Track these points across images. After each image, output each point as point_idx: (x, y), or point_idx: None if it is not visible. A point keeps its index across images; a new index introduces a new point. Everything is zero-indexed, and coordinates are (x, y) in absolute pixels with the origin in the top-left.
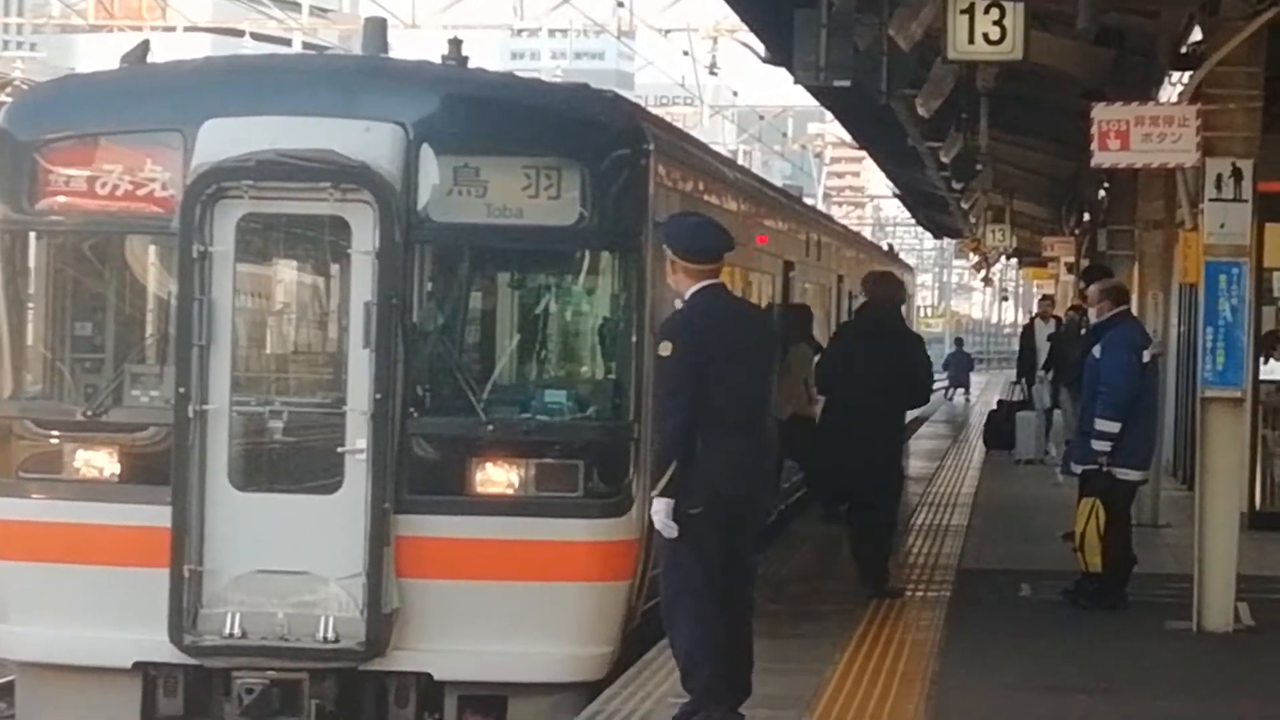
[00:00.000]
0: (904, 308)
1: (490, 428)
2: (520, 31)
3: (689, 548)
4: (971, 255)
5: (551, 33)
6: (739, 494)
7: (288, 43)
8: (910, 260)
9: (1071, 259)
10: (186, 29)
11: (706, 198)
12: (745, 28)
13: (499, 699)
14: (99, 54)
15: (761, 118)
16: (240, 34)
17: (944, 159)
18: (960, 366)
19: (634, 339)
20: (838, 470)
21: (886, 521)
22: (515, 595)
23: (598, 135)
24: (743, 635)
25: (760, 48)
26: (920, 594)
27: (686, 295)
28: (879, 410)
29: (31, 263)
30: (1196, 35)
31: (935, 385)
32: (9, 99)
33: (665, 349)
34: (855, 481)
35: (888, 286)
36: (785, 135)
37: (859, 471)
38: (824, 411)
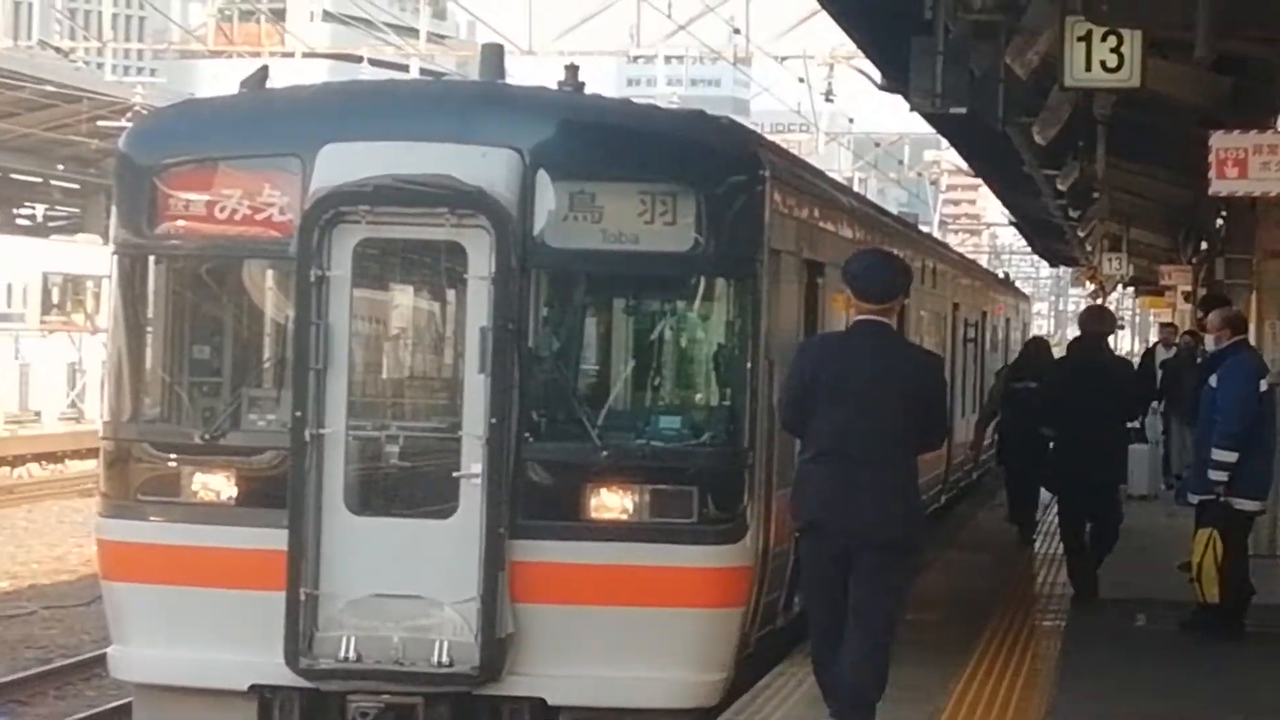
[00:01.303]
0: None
1: (605, 453)
2: (636, 58)
3: (802, 563)
4: (1088, 284)
5: (668, 59)
6: (830, 522)
7: (405, 68)
8: (1026, 289)
9: (1189, 288)
10: (305, 55)
11: (822, 225)
12: (861, 54)
13: None
14: (218, 79)
15: (877, 144)
16: (358, 60)
17: (1060, 186)
18: None
19: (749, 365)
20: (1065, 495)
21: (1111, 537)
22: (629, 621)
23: (714, 161)
24: (858, 655)
25: (876, 74)
26: (1037, 623)
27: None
28: (1098, 434)
29: (150, 286)
30: None
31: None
32: (129, 124)
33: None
34: (1083, 503)
35: (1095, 321)
36: (901, 162)
37: (1087, 494)
38: (1054, 441)
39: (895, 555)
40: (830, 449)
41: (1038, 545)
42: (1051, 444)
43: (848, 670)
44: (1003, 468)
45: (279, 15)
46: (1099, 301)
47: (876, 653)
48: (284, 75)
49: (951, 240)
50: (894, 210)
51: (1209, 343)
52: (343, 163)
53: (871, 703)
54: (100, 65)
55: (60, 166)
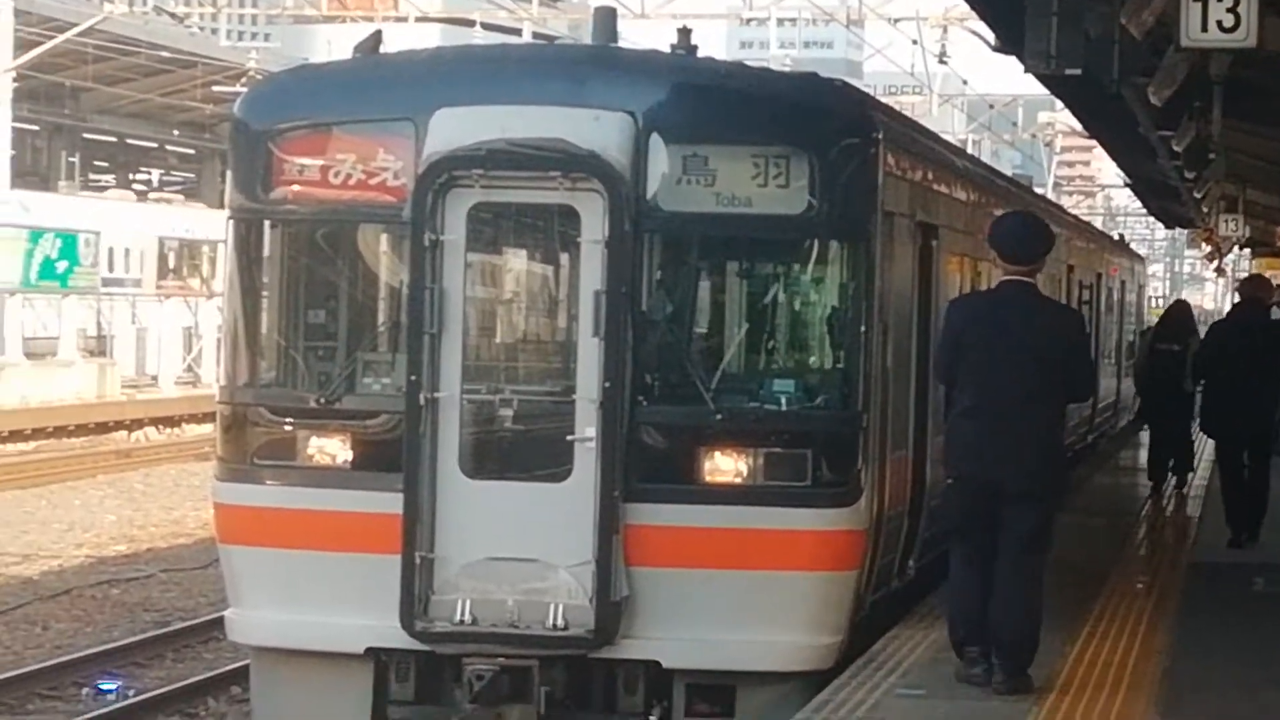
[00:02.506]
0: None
1: (719, 416)
2: (749, 20)
3: (953, 513)
4: (1203, 245)
5: (780, 22)
6: (977, 473)
7: (518, 32)
8: (1141, 250)
9: None
10: (418, 19)
11: (936, 187)
12: (975, 16)
13: (727, 688)
14: (332, 44)
15: (991, 106)
16: (471, 24)
17: (1176, 148)
18: None
19: (862, 328)
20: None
21: (1262, 483)
22: (743, 584)
23: (827, 124)
24: (1003, 598)
25: (991, 36)
26: (1153, 586)
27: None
28: (1252, 388)
29: (265, 251)
30: None
31: None
32: (244, 89)
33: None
34: (1238, 451)
35: (1256, 287)
36: (1015, 124)
37: (1240, 441)
38: (1204, 394)
39: (1040, 506)
40: (978, 404)
41: (1164, 503)
42: (1200, 398)
43: (1001, 623)
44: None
45: None
46: (1215, 267)
47: (1026, 604)
48: (397, 40)
49: (1066, 202)
50: (1008, 172)
51: None
52: (456, 127)
53: (1027, 652)
54: (214, 31)
55: (175, 132)
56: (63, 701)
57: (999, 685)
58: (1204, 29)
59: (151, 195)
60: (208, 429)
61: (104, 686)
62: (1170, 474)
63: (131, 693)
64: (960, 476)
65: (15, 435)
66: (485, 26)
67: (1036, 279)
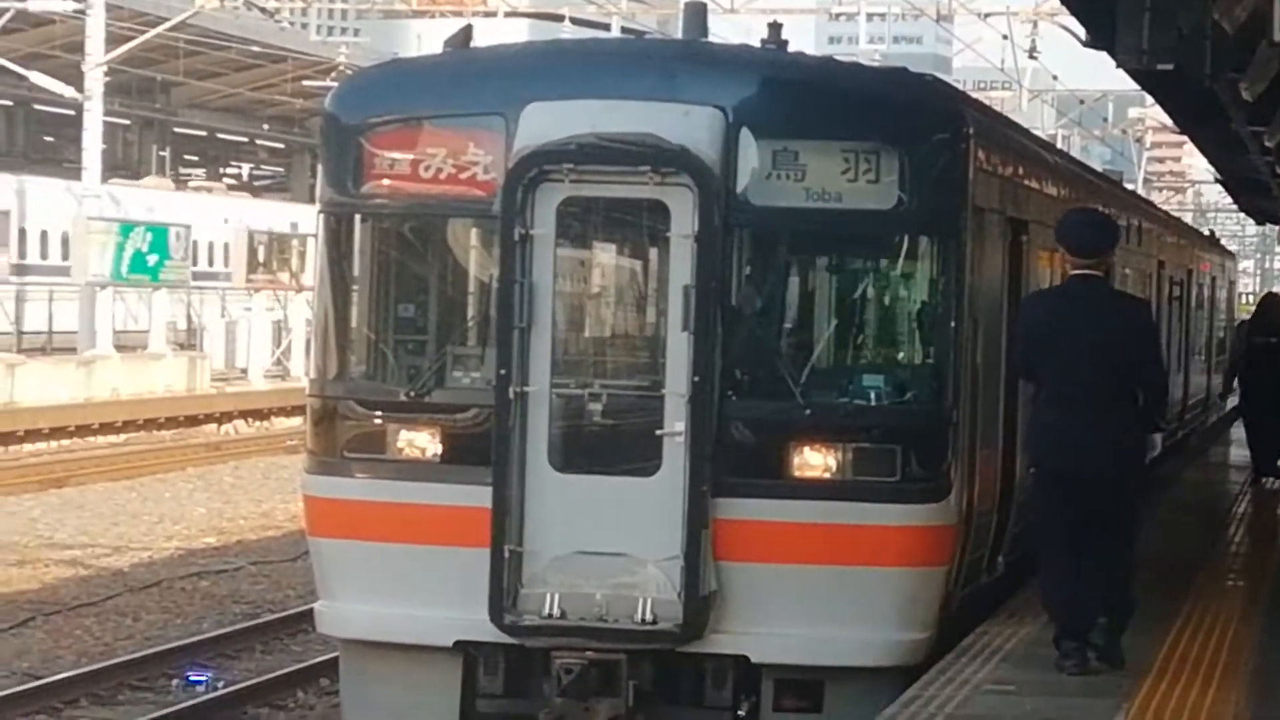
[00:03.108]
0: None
1: (808, 411)
2: (838, 15)
3: (1038, 503)
4: None
5: (869, 17)
6: (1061, 462)
7: (606, 27)
8: (1231, 247)
9: None
10: (507, 14)
11: (1026, 182)
12: (1066, 11)
13: (815, 683)
14: (422, 39)
15: (1081, 102)
16: (559, 18)
17: (1268, 143)
18: None
19: (952, 324)
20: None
21: None
22: (832, 579)
23: (917, 119)
24: (1093, 585)
25: (1081, 31)
26: (1240, 585)
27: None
28: None
29: (356, 245)
30: None
31: None
32: (334, 84)
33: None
34: None
35: None
36: (1105, 119)
37: None
38: None
39: (1121, 493)
40: (1055, 395)
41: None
42: None
43: (1092, 608)
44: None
45: None
46: None
47: (1115, 588)
48: (486, 34)
49: (1156, 198)
50: (1098, 168)
51: None
52: (546, 121)
53: (1118, 631)
54: (304, 25)
55: (265, 126)
56: (153, 692)
57: (1092, 660)
58: None
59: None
60: (296, 422)
61: (194, 678)
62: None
63: (221, 684)
64: (1042, 467)
65: (106, 428)
66: (574, 21)
67: (1103, 272)
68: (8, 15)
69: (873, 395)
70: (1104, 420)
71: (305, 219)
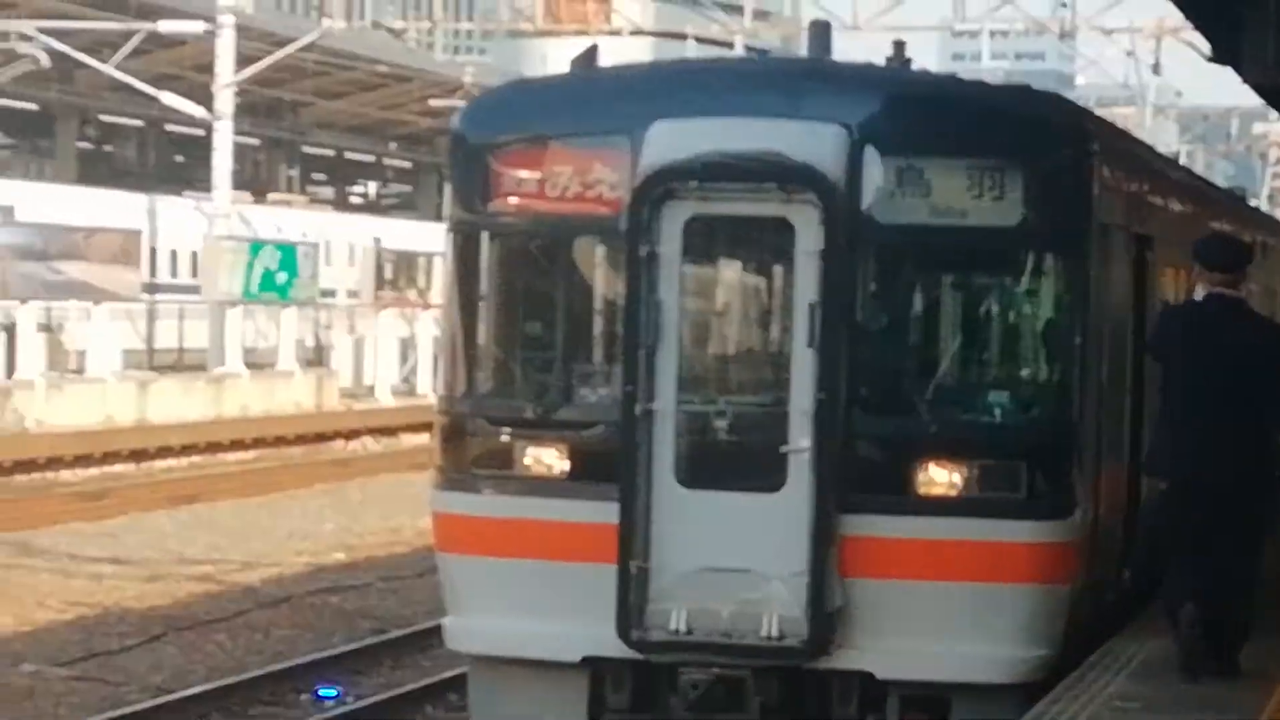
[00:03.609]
0: None
1: (933, 428)
2: (960, 33)
3: (1165, 515)
4: None
5: (992, 34)
6: (1187, 478)
7: (729, 46)
8: None
9: None
10: (631, 33)
11: (1150, 198)
12: (1190, 26)
13: (941, 699)
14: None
15: (1205, 118)
16: (683, 37)
17: None
18: None
19: (1077, 339)
20: None
21: None
22: (957, 596)
23: (1042, 136)
24: (1217, 597)
25: (1206, 46)
26: None
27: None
28: None
29: (483, 263)
30: None
31: None
32: (460, 103)
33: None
34: None
35: None
36: (1229, 135)
37: None
38: None
39: (1247, 509)
40: (1186, 413)
41: None
42: None
43: (1214, 620)
44: None
45: None
46: None
47: (1238, 602)
48: (611, 53)
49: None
50: (1221, 184)
51: None
52: (672, 140)
53: (1237, 646)
54: (431, 45)
55: (392, 145)
56: (283, 707)
57: (1211, 670)
58: None
59: (368, 208)
60: (424, 439)
61: (323, 693)
62: None
63: (350, 699)
64: (1171, 482)
65: (236, 444)
66: (698, 40)
67: (1240, 291)
68: (139, 37)
69: (998, 412)
70: (1234, 435)
71: (430, 238)
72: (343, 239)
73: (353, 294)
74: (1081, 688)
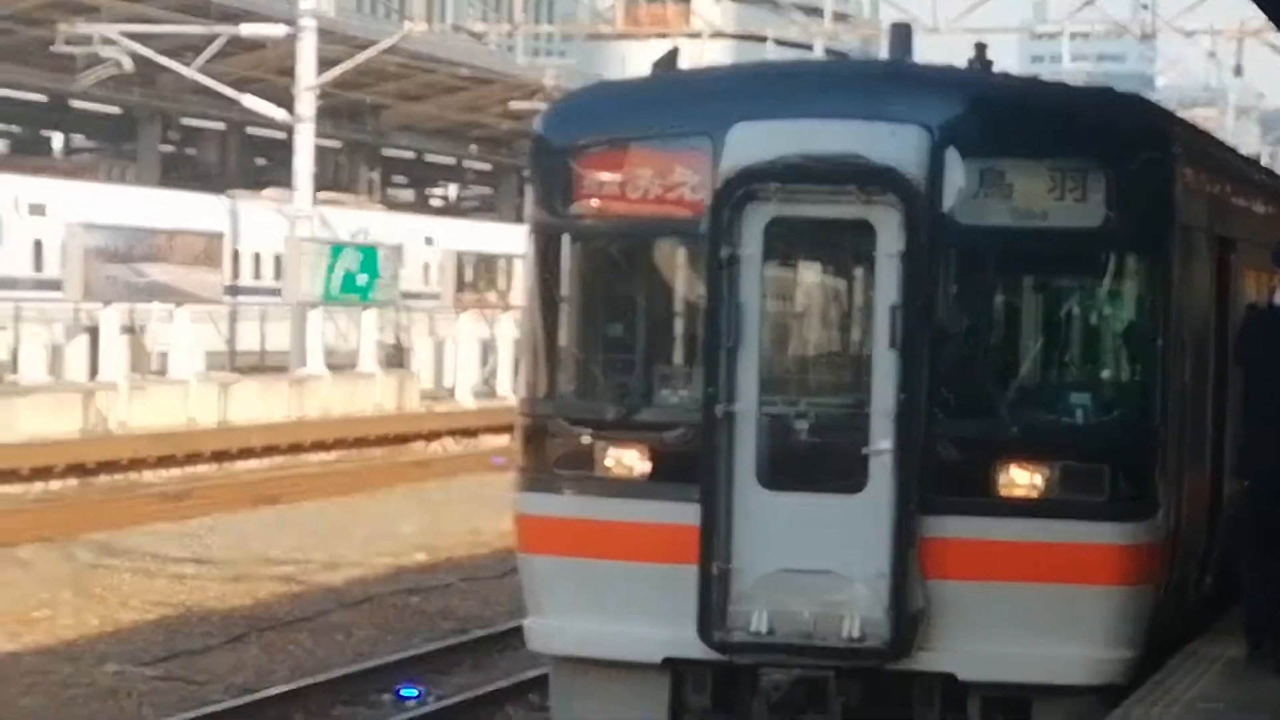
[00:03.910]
0: None
1: (1015, 430)
2: (1040, 35)
3: (1246, 516)
4: None
5: (1072, 36)
6: (1269, 478)
7: (809, 48)
8: None
9: None
10: (711, 35)
11: (1232, 199)
12: (1272, 28)
13: (1023, 701)
14: (626, 61)
15: None
16: (763, 40)
17: None
18: None
19: (1159, 341)
20: None
21: None
22: (1039, 597)
23: (1124, 138)
24: None
25: None
26: None
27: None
28: None
29: (565, 265)
30: None
31: None
32: (540, 106)
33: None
34: None
35: None
36: None
37: None
38: None
39: None
40: (1266, 412)
41: None
42: None
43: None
44: None
45: None
46: None
47: None
48: (690, 56)
49: None
50: None
51: None
52: (753, 142)
53: None
54: (511, 48)
55: (473, 148)
56: (365, 708)
57: None
58: None
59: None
60: (504, 440)
61: (405, 693)
62: None
63: (431, 700)
64: (1253, 481)
65: (318, 446)
66: (778, 42)
67: None
68: (221, 40)
69: (1080, 413)
70: None
71: (510, 240)
72: (389, 240)
73: (409, 295)
74: (1163, 690)
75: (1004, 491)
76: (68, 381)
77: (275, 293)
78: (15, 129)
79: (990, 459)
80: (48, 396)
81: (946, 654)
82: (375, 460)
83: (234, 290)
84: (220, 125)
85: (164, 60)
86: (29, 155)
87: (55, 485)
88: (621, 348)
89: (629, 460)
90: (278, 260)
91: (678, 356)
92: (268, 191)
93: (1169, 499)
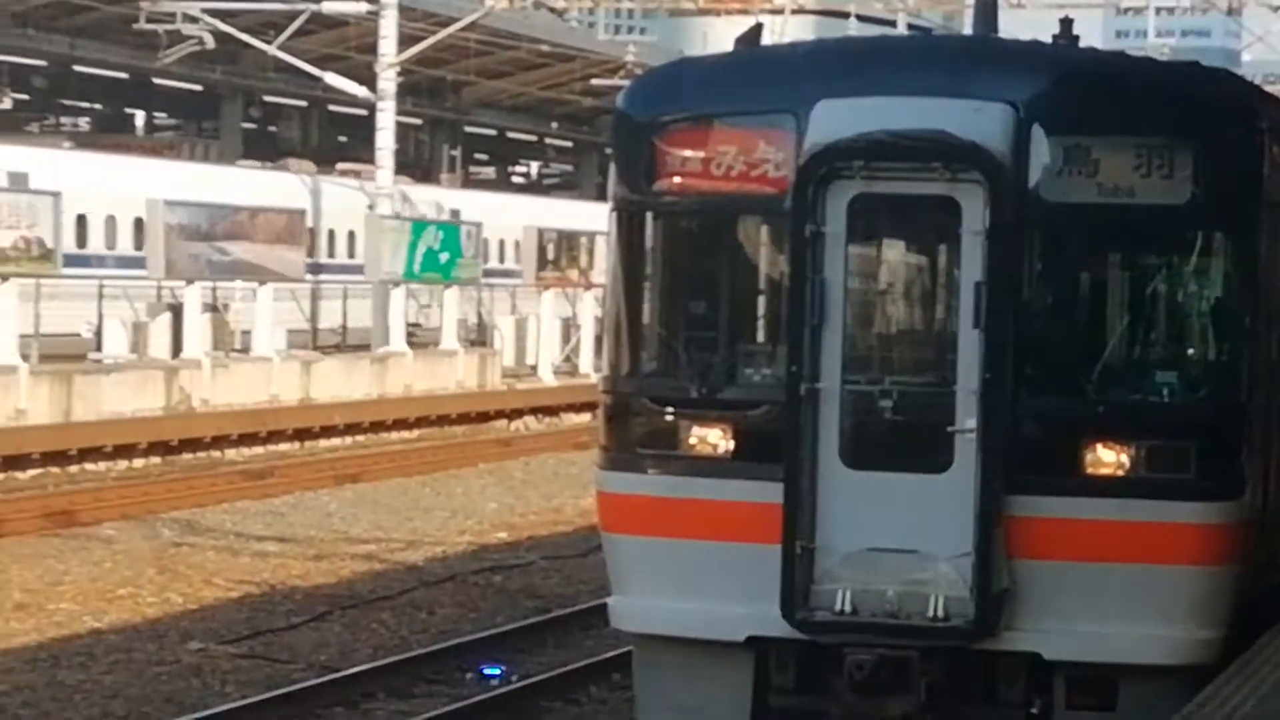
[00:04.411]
0: None
1: (1101, 408)
2: (1125, 10)
3: None
4: None
5: (1158, 11)
6: None
7: (892, 23)
8: None
9: None
10: (793, 11)
11: None
12: None
13: (1109, 681)
14: (708, 37)
15: None
16: (845, 15)
17: None
18: None
19: (1246, 319)
20: None
21: None
22: (1125, 577)
23: (1211, 113)
24: None
25: None
26: None
27: None
28: None
29: (648, 242)
30: None
31: None
32: (622, 82)
33: None
34: None
35: None
36: None
37: None
38: None
39: None
40: None
41: None
42: None
43: None
44: None
45: None
46: None
47: None
48: (771, 32)
49: None
50: None
51: None
52: (837, 119)
53: None
54: (592, 25)
55: (554, 124)
56: (448, 686)
57: None
58: None
59: (529, 188)
60: (585, 418)
61: (488, 671)
62: None
63: (514, 678)
64: None
65: (399, 424)
66: (860, 18)
67: None
68: (303, 18)
69: (1166, 392)
70: None
71: (591, 217)
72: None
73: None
74: (1250, 670)
75: (1090, 470)
76: (151, 359)
77: (356, 270)
78: (98, 106)
79: (1076, 438)
80: (132, 374)
81: (1031, 634)
82: (457, 438)
83: (316, 268)
84: (302, 103)
85: (246, 37)
86: (112, 133)
87: (139, 463)
88: (704, 325)
89: (712, 439)
90: (351, 236)
91: (761, 334)
92: (340, 166)
93: (1255, 477)
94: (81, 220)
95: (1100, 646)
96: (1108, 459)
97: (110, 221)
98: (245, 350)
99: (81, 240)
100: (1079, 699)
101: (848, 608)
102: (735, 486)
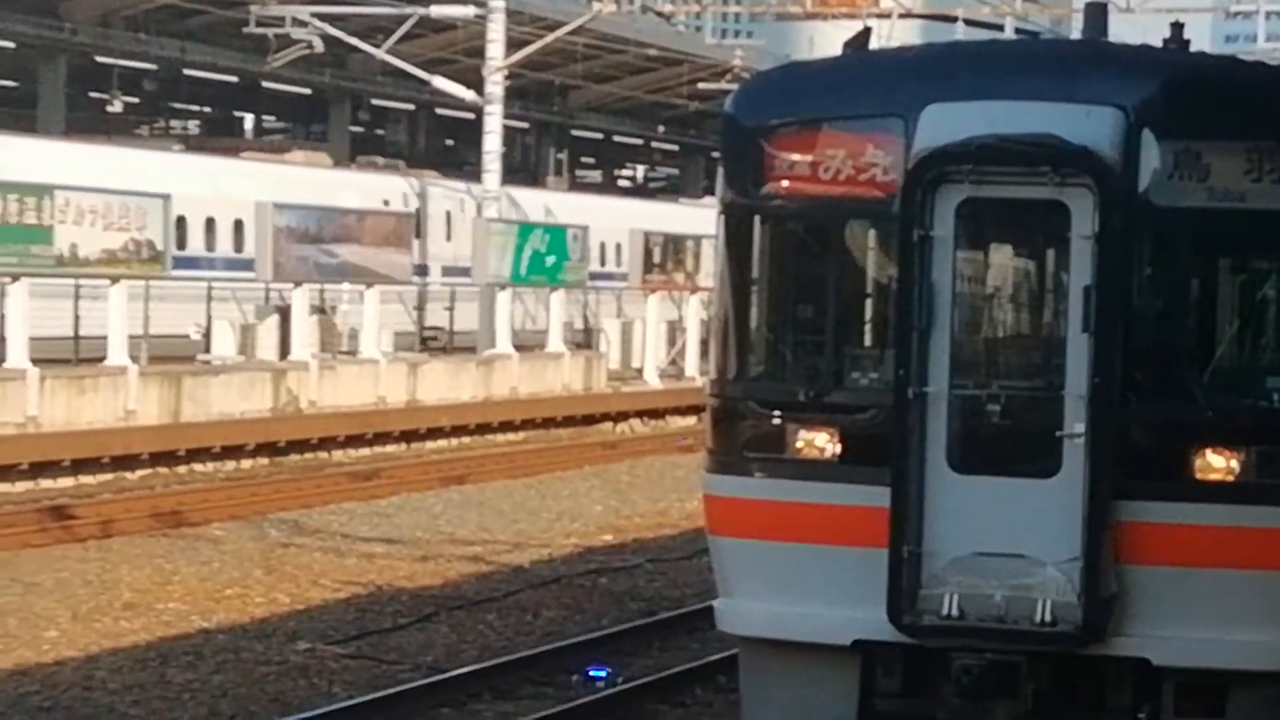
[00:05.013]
0: None
1: (1210, 414)
2: (1235, 14)
3: None
4: None
5: (1268, 15)
6: None
7: (1000, 28)
8: None
9: None
10: (900, 15)
11: None
12: None
13: (1218, 688)
14: (815, 41)
15: None
16: (953, 20)
17: None
18: None
19: None
20: None
21: None
22: (1235, 583)
23: None
24: None
25: None
26: None
27: None
28: None
29: (756, 246)
30: None
31: None
32: (729, 86)
33: None
34: None
35: None
36: None
37: None
38: None
39: None
40: None
41: None
42: None
43: None
44: None
45: None
46: None
47: None
48: (879, 36)
49: None
50: None
51: None
52: (946, 123)
53: None
54: (699, 29)
55: (660, 128)
56: (553, 688)
57: None
58: None
59: (636, 191)
60: (691, 421)
61: (593, 673)
62: None
63: (620, 680)
64: None
65: (505, 426)
66: (967, 22)
67: None
68: (411, 21)
69: (1276, 397)
70: None
71: (696, 221)
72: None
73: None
74: None
75: (1199, 476)
76: (259, 361)
77: (463, 273)
78: (208, 109)
79: (1185, 443)
80: (239, 376)
81: (1140, 639)
82: (562, 440)
83: (421, 270)
84: (410, 106)
85: (354, 41)
86: (221, 136)
87: (246, 464)
88: (811, 329)
89: (819, 442)
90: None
91: (868, 338)
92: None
93: None
94: (181, 221)
95: (1210, 652)
96: (1217, 464)
97: (210, 224)
98: (352, 352)
99: (181, 242)
100: (1187, 705)
101: (955, 612)
102: (842, 490)
